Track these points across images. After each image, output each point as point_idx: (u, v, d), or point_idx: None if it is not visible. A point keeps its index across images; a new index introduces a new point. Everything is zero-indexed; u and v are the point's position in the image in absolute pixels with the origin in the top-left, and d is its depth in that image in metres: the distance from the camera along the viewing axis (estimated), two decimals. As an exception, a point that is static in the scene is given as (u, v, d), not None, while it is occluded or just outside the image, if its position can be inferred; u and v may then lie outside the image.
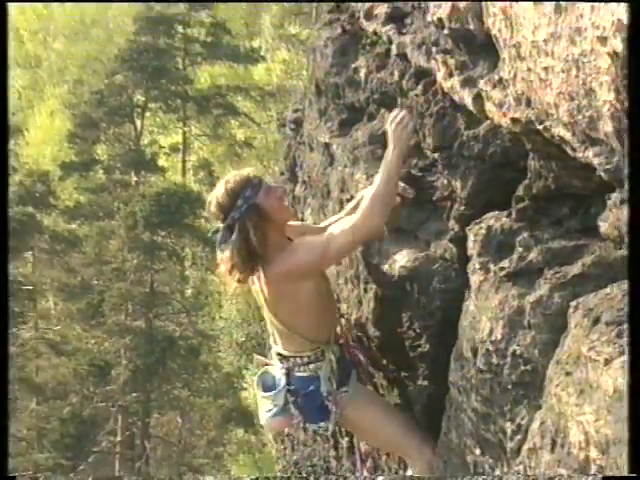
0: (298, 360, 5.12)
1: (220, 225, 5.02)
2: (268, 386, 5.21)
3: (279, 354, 5.19)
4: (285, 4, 42.93)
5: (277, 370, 5.20)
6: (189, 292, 34.15)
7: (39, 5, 44.19)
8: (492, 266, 4.43)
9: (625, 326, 3.63)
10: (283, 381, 5.14)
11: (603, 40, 3.30)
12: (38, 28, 44.72)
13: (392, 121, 4.89)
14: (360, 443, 5.86)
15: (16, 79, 43.87)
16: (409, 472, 5.25)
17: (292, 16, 42.63)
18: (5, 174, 6.17)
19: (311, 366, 5.10)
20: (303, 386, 5.11)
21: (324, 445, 6.50)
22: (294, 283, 4.94)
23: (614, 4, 3.23)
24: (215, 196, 5.01)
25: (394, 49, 5.16)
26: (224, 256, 4.99)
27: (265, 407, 5.24)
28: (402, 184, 5.09)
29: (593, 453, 3.61)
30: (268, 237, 4.94)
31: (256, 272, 4.99)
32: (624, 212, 3.73)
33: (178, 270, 33.43)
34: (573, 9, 3.45)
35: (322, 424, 5.26)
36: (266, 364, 5.33)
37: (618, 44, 3.22)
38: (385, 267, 5.14)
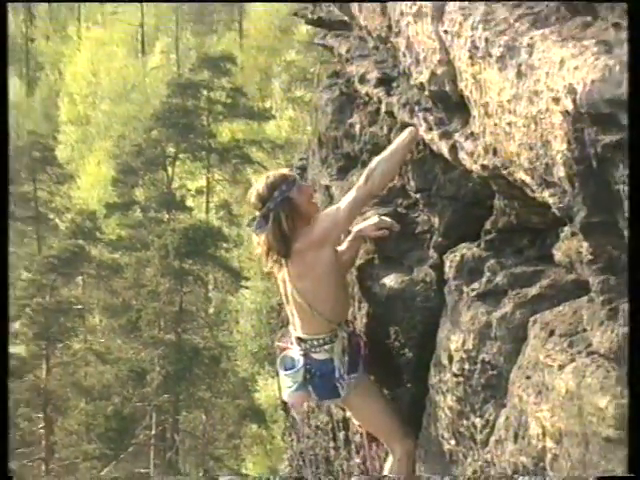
0: (315, 342, 5.01)
1: (257, 214, 4.98)
2: (288, 367, 5.12)
3: (298, 338, 5.08)
4: (291, 73, 43.10)
5: (295, 352, 5.10)
6: (212, 310, 34.09)
7: (89, 73, 44.32)
8: (465, 288, 4.42)
9: (575, 337, 3.62)
10: (301, 361, 5.04)
11: (556, 101, 3.30)
12: (88, 92, 44.76)
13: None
14: (355, 436, 5.83)
15: (70, 134, 43.94)
16: (390, 459, 5.22)
17: (298, 81, 42.77)
18: (6, 201, 5.99)
19: (326, 347, 5.00)
20: (319, 368, 5.02)
21: (324, 437, 6.46)
22: (316, 251, 4.85)
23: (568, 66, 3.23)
24: (256, 188, 4.98)
25: (383, 108, 5.15)
26: (260, 240, 4.97)
27: (287, 384, 5.15)
28: (389, 220, 5.09)
29: (549, 444, 3.60)
30: (296, 226, 4.89)
31: (288, 255, 4.92)
32: (574, 243, 3.72)
33: (202, 292, 33.44)
34: (532, 74, 3.46)
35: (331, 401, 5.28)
36: (285, 348, 5.22)
37: (569, 104, 3.22)
38: (376, 288, 5.12)
